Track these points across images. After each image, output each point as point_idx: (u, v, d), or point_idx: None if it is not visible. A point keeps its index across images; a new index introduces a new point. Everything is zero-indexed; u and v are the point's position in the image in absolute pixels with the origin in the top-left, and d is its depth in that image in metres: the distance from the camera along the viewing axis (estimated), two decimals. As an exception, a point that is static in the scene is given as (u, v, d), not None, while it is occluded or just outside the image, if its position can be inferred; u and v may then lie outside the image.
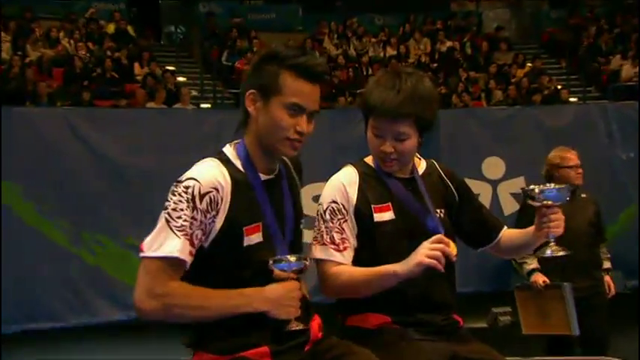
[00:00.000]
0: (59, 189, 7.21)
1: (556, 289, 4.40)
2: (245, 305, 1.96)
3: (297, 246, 2.16)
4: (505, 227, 2.48)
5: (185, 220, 1.94)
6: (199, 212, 1.94)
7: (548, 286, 4.43)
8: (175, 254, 1.93)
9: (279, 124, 2.03)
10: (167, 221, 1.94)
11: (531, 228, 2.31)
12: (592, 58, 14.90)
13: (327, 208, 2.25)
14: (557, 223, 2.20)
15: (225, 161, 2.05)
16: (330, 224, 2.23)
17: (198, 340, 2.07)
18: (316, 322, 2.20)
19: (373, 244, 2.25)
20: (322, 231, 2.23)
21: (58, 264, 7.11)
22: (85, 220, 7.26)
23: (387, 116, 2.22)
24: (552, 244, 2.21)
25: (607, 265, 4.62)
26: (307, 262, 2.02)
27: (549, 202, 2.18)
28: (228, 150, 2.10)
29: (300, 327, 2.01)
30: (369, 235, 2.25)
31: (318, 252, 2.23)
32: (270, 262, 2.00)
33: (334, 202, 2.25)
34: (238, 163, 2.06)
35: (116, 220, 7.34)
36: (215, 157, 2.07)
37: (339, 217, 2.24)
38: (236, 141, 2.13)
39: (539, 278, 4.44)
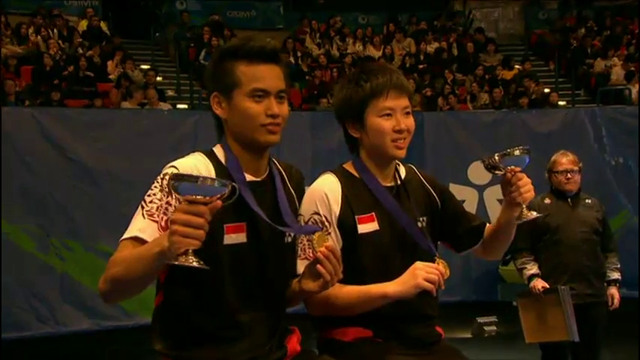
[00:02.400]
0: (27, 192, 7.14)
1: (554, 294, 4.41)
2: (156, 247, 1.79)
3: (293, 256, 2.15)
4: (488, 225, 2.46)
5: (156, 204, 1.96)
6: (175, 198, 1.95)
7: (547, 291, 4.44)
8: (135, 233, 1.93)
9: (248, 114, 2.03)
10: (141, 207, 1.98)
11: (503, 208, 2.29)
12: (581, 60, 15.04)
13: (308, 220, 2.19)
14: (527, 187, 2.19)
15: (212, 157, 2.08)
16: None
17: (171, 347, 2.05)
18: (295, 336, 2.19)
19: (357, 258, 2.20)
20: (304, 244, 2.16)
21: (24, 270, 7.03)
22: (54, 224, 7.19)
23: (399, 90, 2.23)
24: (524, 209, 2.21)
25: (614, 275, 4.59)
26: (226, 189, 1.75)
27: (512, 168, 2.18)
28: (216, 148, 2.13)
29: (192, 264, 1.71)
30: (352, 249, 2.21)
31: (300, 268, 2.13)
32: (171, 179, 1.74)
33: (316, 213, 2.19)
34: (223, 161, 2.08)
35: (87, 225, 7.29)
36: (202, 152, 2.10)
37: (321, 227, 2.17)
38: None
39: (539, 283, 4.45)
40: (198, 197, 1.72)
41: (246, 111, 2.03)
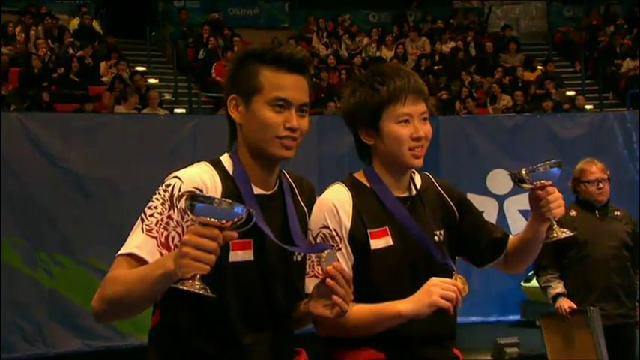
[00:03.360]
0: (14, 203, 7.15)
1: (581, 315, 4.38)
2: (159, 268, 1.80)
3: (301, 275, 2.15)
4: (510, 236, 2.45)
5: (156, 218, 1.95)
6: (177, 212, 1.95)
7: (574, 312, 4.41)
8: (131, 250, 1.93)
9: (266, 123, 2.02)
10: (141, 220, 1.97)
11: (529, 223, 2.30)
12: (609, 61, 15.01)
13: (316, 235, 2.18)
14: (557, 203, 2.19)
15: (219, 167, 2.08)
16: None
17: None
18: (302, 358, 2.18)
19: (369, 275, 2.19)
20: (313, 261, 2.14)
21: (10, 287, 7.03)
22: (43, 238, 7.20)
23: (417, 95, 2.23)
24: (555, 226, 2.21)
25: None
26: (244, 215, 1.77)
27: (542, 183, 2.19)
28: (224, 157, 2.12)
29: (198, 290, 1.74)
30: (364, 265, 2.20)
31: (309, 285, 2.12)
32: (186, 199, 1.76)
33: (325, 227, 2.18)
34: (231, 171, 2.07)
35: (77, 238, 7.29)
36: (208, 162, 2.09)
37: (332, 245, 2.16)
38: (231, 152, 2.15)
39: (565, 303, 4.41)
40: (213, 220, 1.74)
41: (263, 119, 2.03)
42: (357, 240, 2.20)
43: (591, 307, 4.37)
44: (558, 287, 4.46)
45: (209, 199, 1.75)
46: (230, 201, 1.78)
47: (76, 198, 7.36)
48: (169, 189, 1.98)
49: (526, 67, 14.69)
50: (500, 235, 2.43)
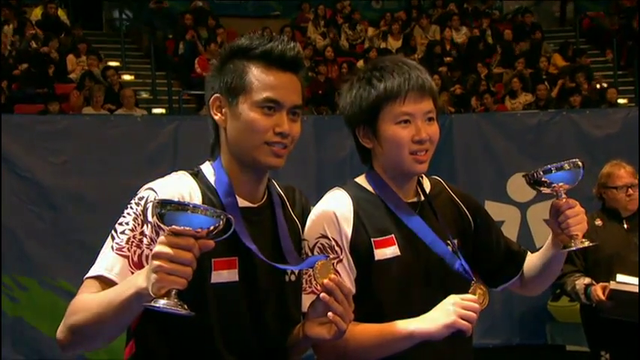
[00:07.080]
0: (-30, 218, 7.15)
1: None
2: (130, 288, 1.79)
3: (296, 297, 2.15)
4: (528, 253, 2.47)
5: (127, 235, 1.97)
6: (150, 227, 1.97)
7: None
8: (100, 272, 1.95)
9: (253, 127, 2.04)
10: (112, 237, 1.99)
11: (550, 239, 2.31)
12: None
13: (314, 246, 2.20)
14: (578, 218, 2.18)
15: (199, 177, 2.10)
16: None
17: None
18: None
19: (374, 290, 2.21)
20: (310, 275, 2.15)
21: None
22: (3, 258, 7.19)
23: (419, 92, 2.23)
24: (576, 236, 2.19)
25: None
26: (221, 222, 1.78)
27: (561, 186, 2.19)
28: (205, 166, 2.14)
29: (174, 308, 1.72)
30: (368, 279, 2.21)
31: (306, 304, 2.13)
32: (155, 206, 1.77)
33: (324, 236, 2.21)
34: (213, 181, 2.09)
35: (44, 258, 7.29)
36: (187, 171, 2.12)
37: (332, 256, 2.18)
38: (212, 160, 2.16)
39: (598, 289, 4.37)
40: (187, 229, 1.74)
41: (251, 123, 2.04)
42: (360, 250, 2.22)
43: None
44: (586, 279, 4.43)
45: (181, 205, 1.76)
46: (205, 206, 1.80)
47: (41, 212, 7.35)
48: (142, 202, 2.00)
49: (551, 58, 14.71)
50: (517, 250, 2.45)
